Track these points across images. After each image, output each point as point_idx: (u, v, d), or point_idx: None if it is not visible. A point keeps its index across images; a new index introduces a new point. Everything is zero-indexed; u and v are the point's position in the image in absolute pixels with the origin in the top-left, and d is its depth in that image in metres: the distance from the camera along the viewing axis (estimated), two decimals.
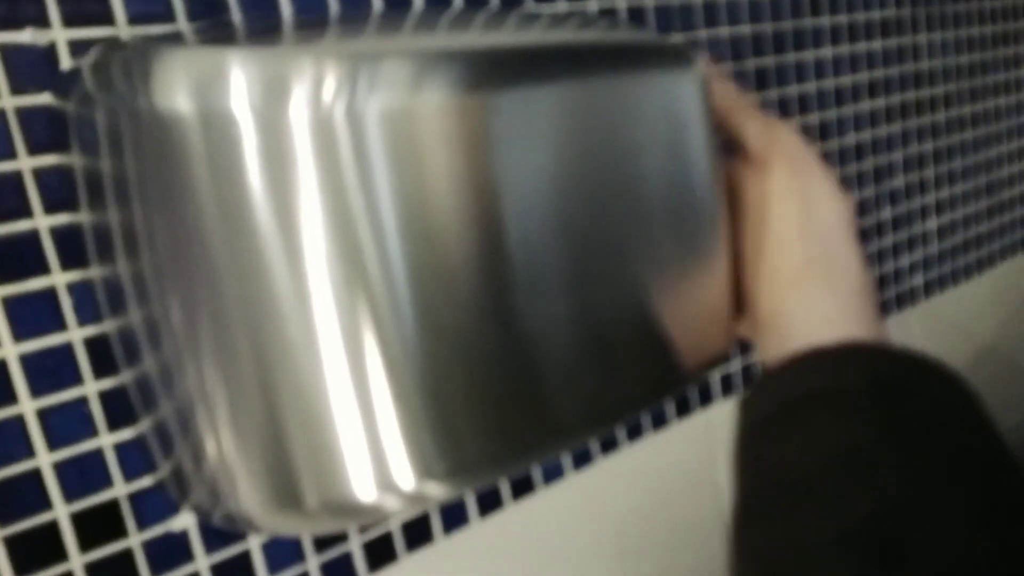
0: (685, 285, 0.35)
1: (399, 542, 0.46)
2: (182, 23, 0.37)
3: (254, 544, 0.41)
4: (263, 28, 0.35)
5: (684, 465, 0.61)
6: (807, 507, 0.25)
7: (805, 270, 0.31)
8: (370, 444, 0.29)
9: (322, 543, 0.43)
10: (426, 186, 0.29)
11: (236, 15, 0.39)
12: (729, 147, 0.36)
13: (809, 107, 0.65)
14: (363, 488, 0.30)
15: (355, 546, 0.45)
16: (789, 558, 0.24)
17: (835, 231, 0.32)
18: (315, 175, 0.27)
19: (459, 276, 0.29)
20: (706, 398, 0.62)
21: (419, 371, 0.29)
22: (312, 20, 0.39)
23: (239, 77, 0.27)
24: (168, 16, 0.37)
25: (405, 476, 0.30)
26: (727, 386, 0.63)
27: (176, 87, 0.28)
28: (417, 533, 0.47)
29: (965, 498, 0.24)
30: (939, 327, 0.80)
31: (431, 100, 0.28)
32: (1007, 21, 0.81)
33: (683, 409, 0.60)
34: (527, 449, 0.32)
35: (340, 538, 0.44)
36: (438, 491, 0.31)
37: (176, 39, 0.34)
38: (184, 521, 0.39)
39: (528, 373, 0.31)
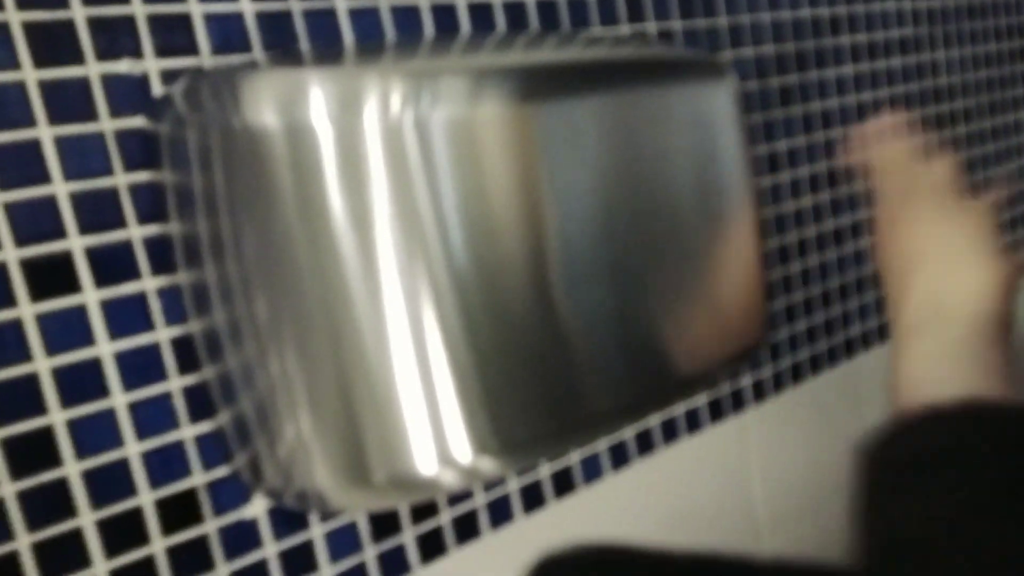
0: (716, 282, 0.38)
1: (449, 536, 0.49)
2: (258, 52, 0.41)
3: (317, 533, 0.44)
4: (329, 54, 0.39)
5: (718, 468, 0.63)
6: (932, 563, 0.26)
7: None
8: (432, 423, 0.32)
9: (379, 534, 0.46)
10: (483, 187, 0.32)
11: (304, 44, 0.43)
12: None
13: (832, 123, 0.67)
14: (425, 462, 0.33)
15: (408, 538, 0.47)
16: None
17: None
18: (386, 178, 0.31)
19: (511, 269, 0.33)
20: (739, 403, 0.64)
21: (476, 357, 0.32)
22: (372, 46, 0.42)
23: (318, 94, 0.31)
24: (246, 46, 0.41)
25: (462, 451, 0.33)
26: (759, 391, 0.65)
27: (263, 105, 0.32)
28: (466, 528, 0.50)
29: None
30: None
31: (488, 111, 0.32)
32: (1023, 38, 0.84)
33: (716, 413, 0.62)
34: (569, 431, 0.35)
35: (395, 529, 0.47)
36: (490, 466, 0.34)
37: (254, 66, 0.38)
38: (255, 509, 0.42)
39: (570, 361, 0.34)
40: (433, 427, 0.32)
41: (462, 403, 0.31)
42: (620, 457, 0.57)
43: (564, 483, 0.54)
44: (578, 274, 0.33)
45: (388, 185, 0.31)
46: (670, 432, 0.60)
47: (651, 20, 0.56)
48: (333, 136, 0.31)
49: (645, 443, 0.58)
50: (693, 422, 0.61)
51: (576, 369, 0.34)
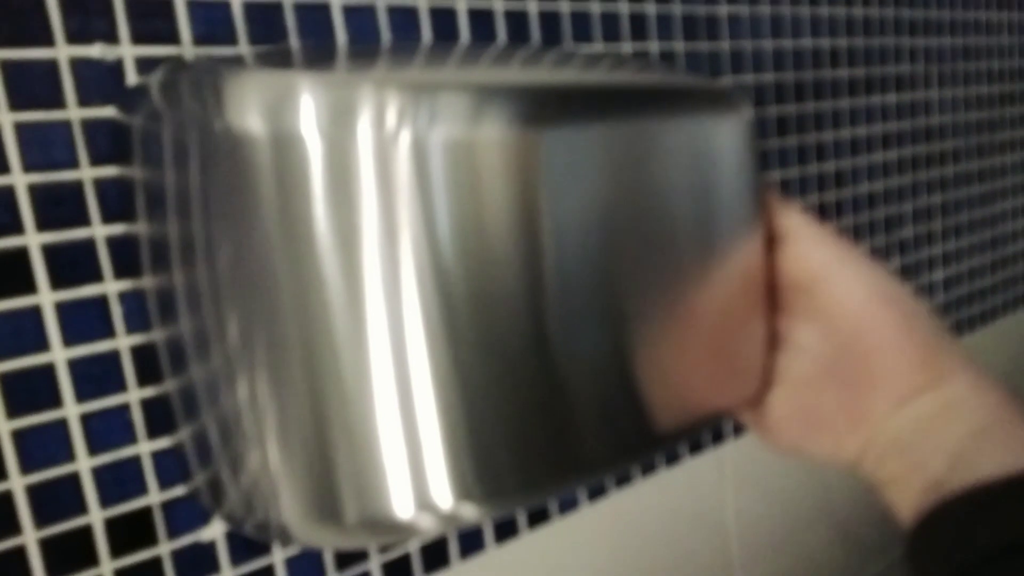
0: (718, 327, 0.36)
1: (417, 564, 0.47)
2: (243, 46, 0.39)
3: (278, 558, 0.41)
4: (320, 55, 0.37)
5: (694, 502, 0.62)
6: None
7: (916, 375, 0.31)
8: (412, 464, 0.30)
9: (343, 561, 0.44)
10: (479, 214, 0.30)
11: (294, 40, 0.40)
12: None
13: (826, 155, 0.67)
14: (402, 505, 0.30)
15: (375, 566, 0.45)
16: None
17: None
18: (377, 197, 0.28)
19: (505, 303, 0.30)
20: (718, 436, 0.63)
21: (463, 396, 0.30)
22: (366, 48, 0.40)
23: (308, 101, 0.29)
24: (231, 38, 0.38)
25: (443, 496, 0.31)
26: (738, 426, 0.64)
27: (249, 108, 0.29)
28: (434, 556, 0.47)
29: None
30: None
31: (489, 133, 0.30)
32: (1014, 81, 0.84)
33: (695, 447, 0.61)
34: (557, 478, 0.33)
35: (361, 557, 0.44)
36: (472, 513, 0.32)
37: (239, 61, 0.35)
38: (212, 532, 0.39)
39: (562, 405, 0.32)
40: (413, 469, 0.29)
41: (446, 445, 0.29)
42: (597, 490, 0.55)
43: (538, 513, 0.52)
44: (575, 312, 0.31)
45: (378, 205, 0.29)
46: (648, 466, 0.58)
47: (654, 40, 0.54)
48: (322, 149, 0.29)
49: (623, 477, 0.57)
50: (671, 454, 0.60)
51: (568, 413, 0.31)
